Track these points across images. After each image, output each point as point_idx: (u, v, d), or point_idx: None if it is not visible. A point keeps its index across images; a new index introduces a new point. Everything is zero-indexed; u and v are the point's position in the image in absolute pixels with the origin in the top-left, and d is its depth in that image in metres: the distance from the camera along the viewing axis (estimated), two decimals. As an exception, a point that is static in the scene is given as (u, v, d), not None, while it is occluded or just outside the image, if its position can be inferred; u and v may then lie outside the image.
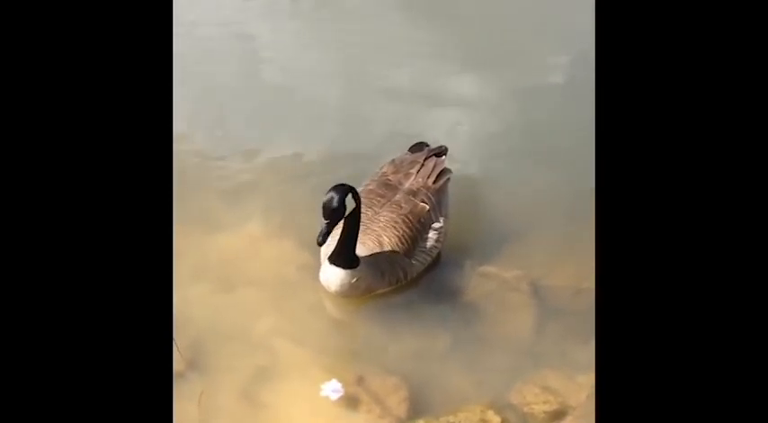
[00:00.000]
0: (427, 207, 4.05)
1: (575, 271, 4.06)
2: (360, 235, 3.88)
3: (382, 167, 4.29)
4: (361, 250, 3.86)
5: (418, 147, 4.43)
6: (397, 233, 3.93)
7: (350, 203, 3.66)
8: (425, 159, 4.26)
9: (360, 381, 3.65)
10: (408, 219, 3.98)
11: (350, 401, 3.60)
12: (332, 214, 3.63)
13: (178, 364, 3.61)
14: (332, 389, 3.58)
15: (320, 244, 3.68)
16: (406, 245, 3.93)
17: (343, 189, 3.64)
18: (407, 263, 3.96)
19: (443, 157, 4.34)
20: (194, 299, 3.91)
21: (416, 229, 3.98)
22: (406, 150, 4.46)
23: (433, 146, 4.44)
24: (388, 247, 3.91)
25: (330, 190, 3.64)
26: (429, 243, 4.05)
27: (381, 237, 3.93)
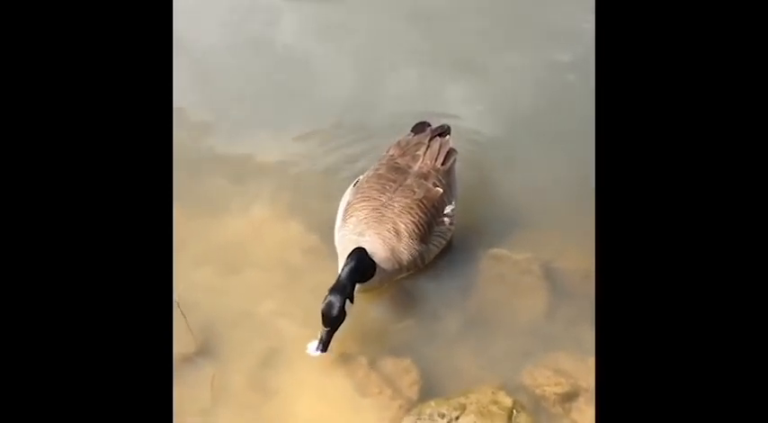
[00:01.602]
0: (441, 191, 4.08)
1: (586, 253, 4.05)
2: (375, 224, 3.94)
3: (389, 150, 4.32)
4: (379, 243, 3.89)
5: (420, 127, 4.44)
6: (413, 219, 3.96)
7: (348, 308, 3.65)
8: (430, 140, 4.28)
9: (371, 363, 3.70)
10: (423, 204, 4.01)
11: (361, 384, 3.65)
12: (333, 322, 3.62)
13: (189, 346, 3.67)
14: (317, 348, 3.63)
15: (322, 352, 3.65)
16: (422, 230, 3.97)
17: (343, 292, 3.62)
18: (424, 248, 4.00)
19: (447, 136, 4.35)
20: (200, 282, 3.96)
21: (431, 213, 4.02)
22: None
23: (436, 126, 4.43)
24: (405, 235, 3.94)
25: (328, 294, 3.63)
26: (443, 226, 4.08)
27: (397, 224, 3.96)
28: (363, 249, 3.82)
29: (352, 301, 3.67)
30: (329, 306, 3.61)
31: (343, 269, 3.74)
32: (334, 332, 3.64)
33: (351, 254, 3.79)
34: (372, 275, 3.83)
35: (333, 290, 3.65)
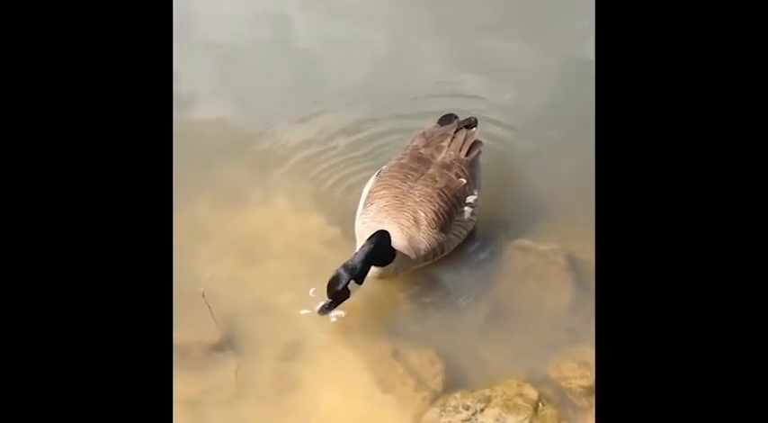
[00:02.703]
0: (464, 181, 4.11)
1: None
2: (395, 212, 3.98)
3: (413, 141, 4.37)
4: (397, 231, 3.93)
5: (447, 119, 4.48)
6: (432, 208, 3.99)
7: (354, 288, 3.73)
8: (456, 131, 4.31)
9: (394, 355, 3.73)
10: (444, 193, 4.05)
11: (384, 376, 3.67)
12: (335, 296, 3.72)
13: (214, 337, 3.72)
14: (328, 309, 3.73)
15: (320, 313, 3.75)
16: (442, 220, 4.00)
17: (352, 272, 3.69)
18: (444, 238, 4.02)
19: (474, 128, 4.38)
20: (222, 273, 4.00)
21: (452, 203, 4.05)
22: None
23: (462, 117, 4.47)
24: (424, 223, 3.98)
25: (340, 267, 3.72)
26: (465, 216, 4.09)
27: (417, 212, 4.00)
28: (386, 232, 3.86)
29: (359, 283, 3.74)
30: (335, 280, 3.70)
31: (361, 249, 3.79)
32: (335, 305, 3.73)
33: (372, 235, 3.84)
34: (391, 261, 3.87)
35: (344, 266, 3.72)
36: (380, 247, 3.82)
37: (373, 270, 3.84)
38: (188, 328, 3.64)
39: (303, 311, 3.79)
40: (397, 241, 3.91)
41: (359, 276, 3.72)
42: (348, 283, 3.69)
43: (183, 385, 3.47)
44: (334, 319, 3.77)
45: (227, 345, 3.73)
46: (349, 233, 4.14)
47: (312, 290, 3.81)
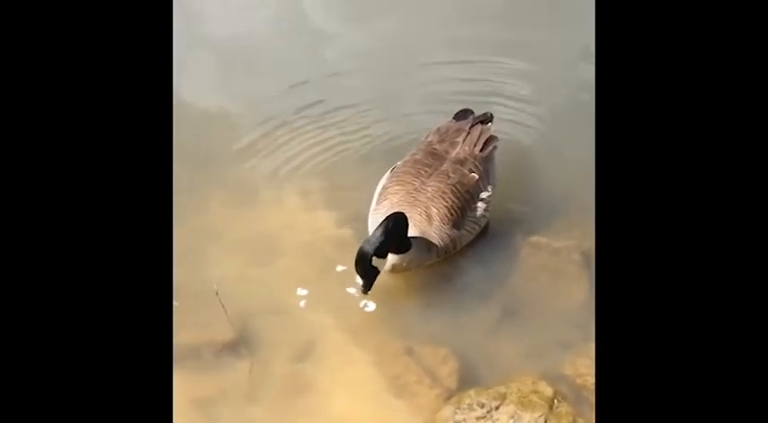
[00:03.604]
0: (477, 177, 4.11)
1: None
2: (407, 207, 3.99)
3: (428, 136, 4.38)
4: (409, 226, 3.91)
5: (463, 114, 4.47)
6: (445, 204, 4.00)
7: (378, 263, 3.75)
8: (471, 127, 4.31)
9: (408, 352, 3.74)
10: (457, 188, 4.05)
11: (398, 373, 3.68)
12: (365, 274, 3.75)
13: (226, 335, 3.74)
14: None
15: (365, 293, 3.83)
16: (454, 215, 4.00)
17: (372, 246, 3.68)
18: (456, 234, 4.03)
19: (489, 124, 4.38)
20: (233, 273, 4.03)
21: (465, 198, 4.05)
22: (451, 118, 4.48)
23: (478, 113, 4.45)
24: (436, 219, 3.99)
25: (362, 243, 3.72)
26: (478, 212, 4.09)
27: (429, 208, 4.00)
28: (402, 214, 3.85)
29: (382, 256, 3.74)
30: (360, 258, 3.70)
31: (378, 227, 3.78)
32: (370, 281, 3.77)
33: (388, 216, 3.82)
34: (409, 247, 3.86)
35: (366, 241, 3.73)
36: (396, 222, 3.79)
37: (389, 262, 3.84)
38: (198, 328, 3.70)
39: (301, 303, 3.87)
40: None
41: (380, 250, 3.70)
42: (372, 258, 3.68)
43: (195, 386, 3.52)
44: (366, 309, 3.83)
45: (239, 344, 3.75)
46: (361, 231, 4.13)
47: (299, 288, 3.89)
